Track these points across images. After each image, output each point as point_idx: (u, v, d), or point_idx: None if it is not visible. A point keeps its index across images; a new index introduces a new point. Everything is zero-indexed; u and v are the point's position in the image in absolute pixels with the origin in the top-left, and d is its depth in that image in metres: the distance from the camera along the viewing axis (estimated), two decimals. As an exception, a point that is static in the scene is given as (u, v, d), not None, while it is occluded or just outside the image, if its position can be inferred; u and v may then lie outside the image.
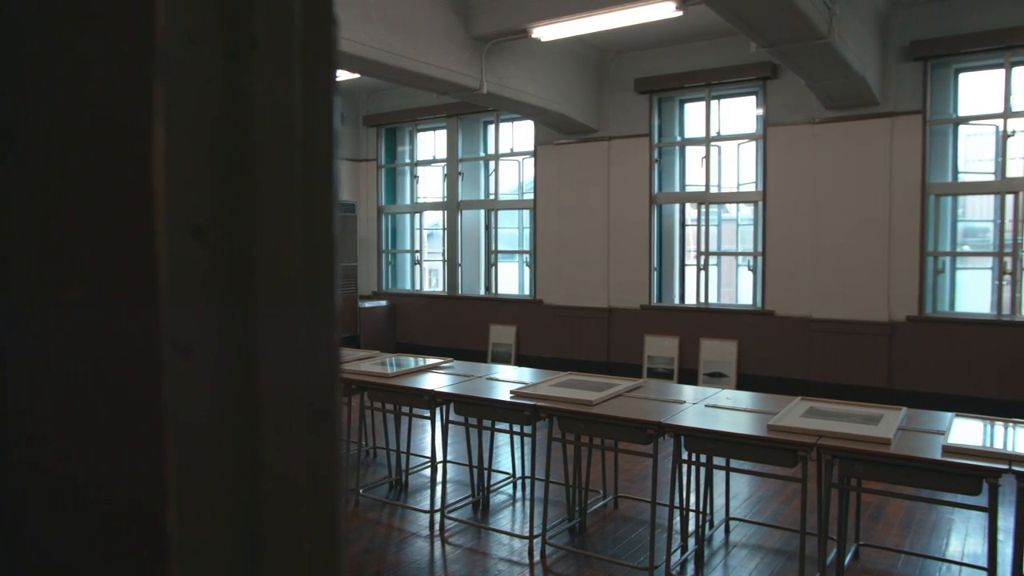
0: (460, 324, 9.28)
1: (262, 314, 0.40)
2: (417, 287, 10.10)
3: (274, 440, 0.40)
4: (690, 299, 8.04)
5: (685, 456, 3.47)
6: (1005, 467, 2.65)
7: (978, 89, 6.66)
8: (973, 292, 6.93)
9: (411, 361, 4.83)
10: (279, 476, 0.41)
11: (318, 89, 0.42)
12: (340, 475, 0.45)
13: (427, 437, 5.30)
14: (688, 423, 3.29)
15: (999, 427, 3.25)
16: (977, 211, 7.61)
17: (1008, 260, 6.38)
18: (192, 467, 0.37)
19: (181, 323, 0.37)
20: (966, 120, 6.63)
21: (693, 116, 8.00)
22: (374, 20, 5.34)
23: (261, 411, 0.40)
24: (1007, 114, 6.29)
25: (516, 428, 4.21)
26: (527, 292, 9.04)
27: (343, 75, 6.90)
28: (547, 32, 6.00)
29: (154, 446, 0.36)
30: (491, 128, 9.21)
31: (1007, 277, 6.39)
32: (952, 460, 2.71)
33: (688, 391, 3.97)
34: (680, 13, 5.49)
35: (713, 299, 7.85)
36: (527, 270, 9.04)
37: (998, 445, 2.98)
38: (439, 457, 4.58)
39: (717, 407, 3.57)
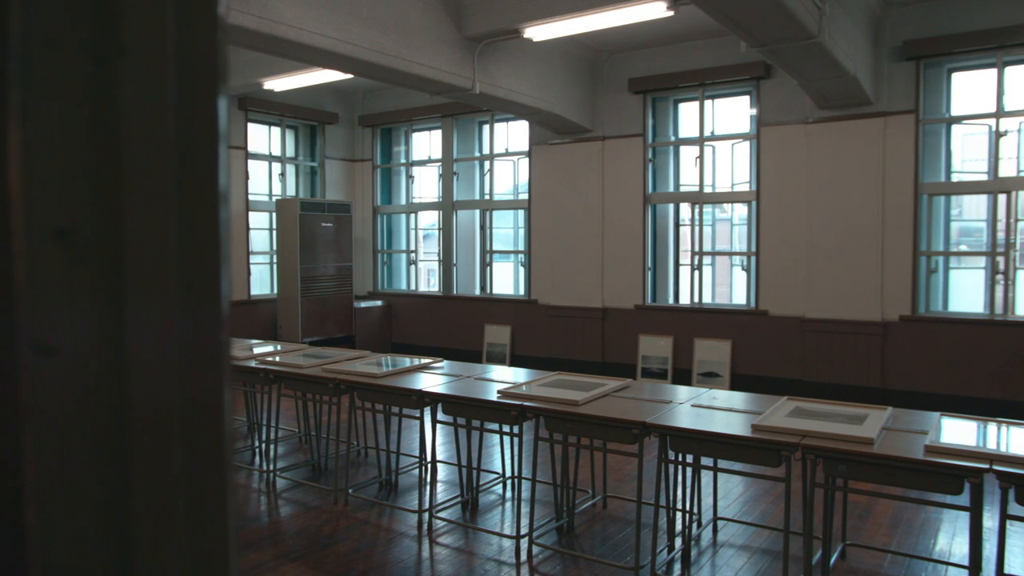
0: (455, 324, 9.30)
1: (133, 313, 0.40)
2: (412, 287, 10.11)
3: (146, 438, 0.41)
4: (684, 299, 8.05)
5: (672, 456, 3.48)
6: (986, 467, 2.66)
7: (971, 89, 6.67)
8: (966, 292, 6.94)
9: (402, 361, 4.84)
10: (152, 474, 0.41)
11: (197, 93, 0.43)
12: (228, 471, 0.46)
13: (418, 437, 5.31)
14: (674, 423, 3.30)
15: (984, 427, 3.26)
16: (974, 210, 7.62)
17: (1001, 260, 6.38)
18: (55, 464, 0.38)
19: (42, 323, 0.37)
20: (959, 120, 6.63)
21: (687, 116, 8.01)
22: (365, 20, 5.35)
23: (131, 409, 0.40)
24: (1000, 114, 6.30)
25: (505, 428, 4.22)
26: (522, 292, 9.05)
27: (336, 75, 6.91)
28: (539, 32, 6.01)
29: (13, 443, 0.36)
30: (486, 128, 9.22)
31: (1000, 277, 6.39)
32: (933, 460, 2.72)
33: (675, 391, 3.98)
34: (671, 13, 5.49)
35: (707, 299, 7.85)
36: (522, 270, 9.05)
37: (981, 444, 2.98)
38: (428, 457, 4.58)
39: (704, 407, 3.57)
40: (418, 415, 4.19)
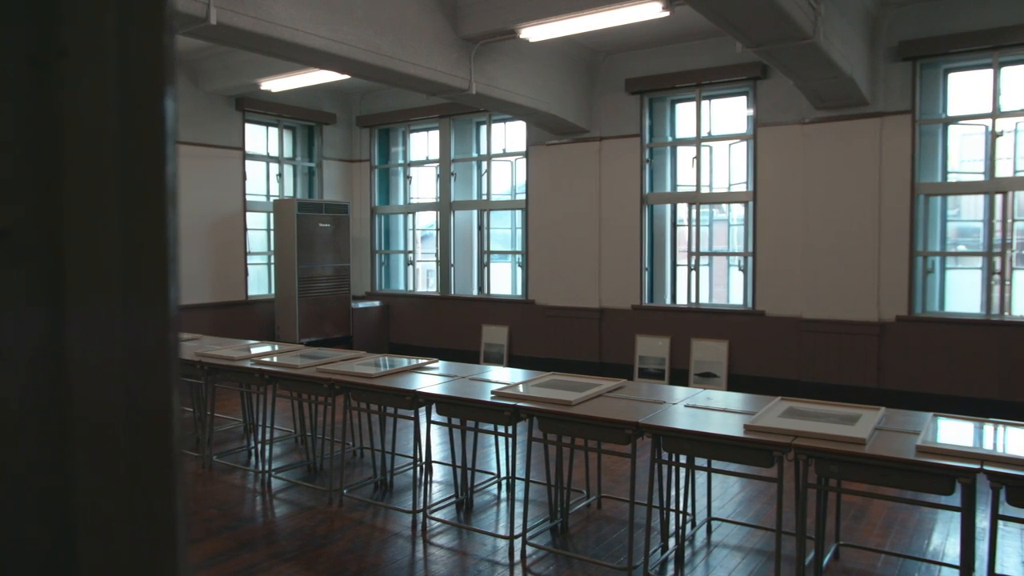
0: (453, 325, 9.30)
1: (73, 315, 0.40)
2: (410, 288, 10.11)
3: (88, 442, 0.41)
4: (681, 299, 8.05)
5: (666, 456, 3.48)
6: (977, 467, 2.65)
7: (967, 89, 6.67)
8: (963, 292, 6.93)
9: (397, 362, 4.84)
10: (95, 479, 0.41)
11: (141, 94, 0.43)
12: (176, 477, 0.46)
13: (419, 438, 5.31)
14: (667, 423, 3.30)
15: (977, 427, 3.25)
16: (972, 211, 7.60)
17: (997, 260, 6.38)
18: (-9, 465, 0.38)
19: (-22, 324, 0.37)
20: (955, 120, 6.63)
21: (684, 116, 8.01)
22: (360, 21, 5.35)
23: (73, 412, 0.40)
24: (995, 114, 6.30)
25: (499, 428, 4.21)
26: (519, 293, 9.05)
27: (333, 76, 6.91)
28: (535, 32, 6.01)
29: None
30: (483, 129, 9.23)
31: (996, 277, 6.39)
32: (924, 460, 2.72)
33: (670, 391, 3.97)
34: (667, 14, 5.49)
35: (704, 299, 7.85)
36: (519, 271, 9.05)
37: (973, 444, 2.98)
38: (424, 457, 4.58)
39: (698, 407, 3.57)
40: (412, 416, 4.19)
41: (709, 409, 3.54)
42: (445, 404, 3.96)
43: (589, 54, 7.96)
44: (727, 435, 3.08)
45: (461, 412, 3.94)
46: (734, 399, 3.81)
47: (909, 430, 3.10)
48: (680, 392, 3.94)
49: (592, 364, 8.11)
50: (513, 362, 8.67)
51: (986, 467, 2.65)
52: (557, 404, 3.57)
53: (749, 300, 7.47)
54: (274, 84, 7.82)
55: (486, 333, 9.02)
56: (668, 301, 8.11)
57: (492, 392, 3.85)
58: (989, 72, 6.34)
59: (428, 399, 4.00)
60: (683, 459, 3.76)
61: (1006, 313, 6.37)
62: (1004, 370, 6.19)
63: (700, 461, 3.93)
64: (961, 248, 7.42)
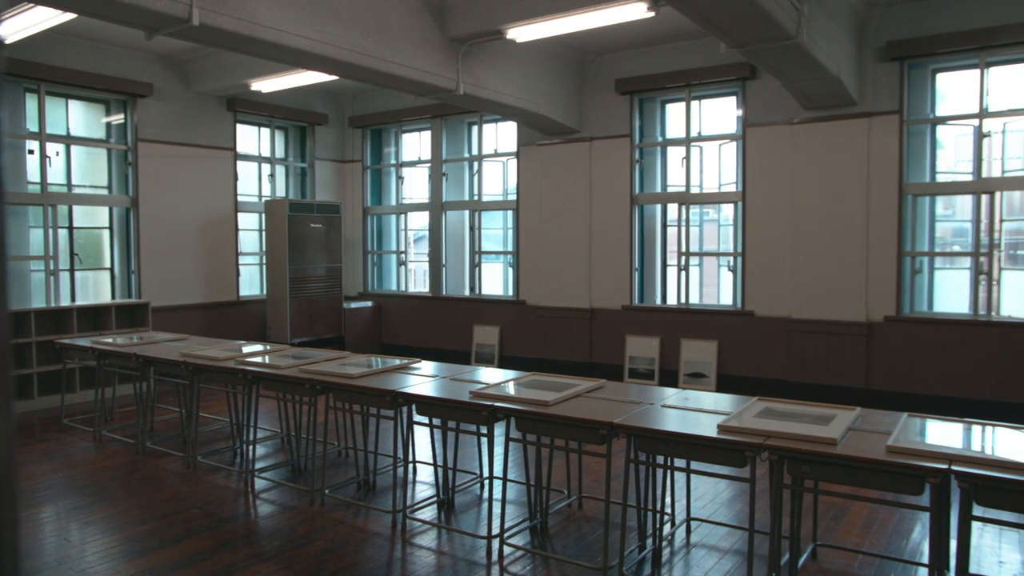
0: (445, 325, 9.31)
1: None
2: (402, 288, 10.12)
3: None
4: (671, 299, 8.05)
5: (642, 457, 3.49)
6: (945, 467, 2.66)
7: (955, 89, 6.67)
8: (952, 292, 6.93)
9: (381, 362, 4.84)
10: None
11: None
12: (11, 482, 0.47)
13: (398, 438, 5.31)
14: (643, 424, 3.30)
15: (951, 427, 3.25)
16: (967, 211, 7.60)
17: (984, 260, 6.37)
18: None
19: None
20: (943, 120, 6.63)
21: (674, 117, 8.01)
22: (345, 21, 5.35)
23: None
24: (983, 114, 6.30)
25: (478, 429, 4.22)
26: (510, 293, 9.05)
27: (324, 76, 6.91)
28: (522, 33, 6.01)
29: None
30: (475, 129, 9.23)
31: (983, 277, 6.39)
32: (892, 460, 2.72)
33: (649, 392, 3.98)
34: (652, 14, 5.49)
35: (694, 299, 7.86)
36: (510, 271, 9.05)
37: (945, 444, 2.98)
38: (406, 458, 4.58)
39: (675, 408, 3.58)
40: (392, 416, 4.19)
41: (687, 410, 3.55)
42: (424, 404, 3.97)
43: (578, 54, 7.96)
44: (699, 435, 3.09)
45: (440, 412, 3.95)
46: (714, 400, 3.81)
47: (883, 430, 3.10)
48: (661, 392, 3.94)
49: (582, 364, 8.11)
50: (504, 362, 8.67)
51: (954, 467, 2.65)
52: (534, 404, 3.58)
53: (738, 300, 7.47)
54: (264, 85, 7.82)
55: (477, 333, 9.03)
56: (658, 301, 8.12)
57: (470, 392, 3.86)
58: (976, 72, 6.33)
59: (408, 399, 4.00)
60: (660, 459, 3.76)
61: (994, 313, 6.38)
62: (992, 370, 6.20)
63: (680, 462, 3.93)
64: (955, 248, 7.41)
